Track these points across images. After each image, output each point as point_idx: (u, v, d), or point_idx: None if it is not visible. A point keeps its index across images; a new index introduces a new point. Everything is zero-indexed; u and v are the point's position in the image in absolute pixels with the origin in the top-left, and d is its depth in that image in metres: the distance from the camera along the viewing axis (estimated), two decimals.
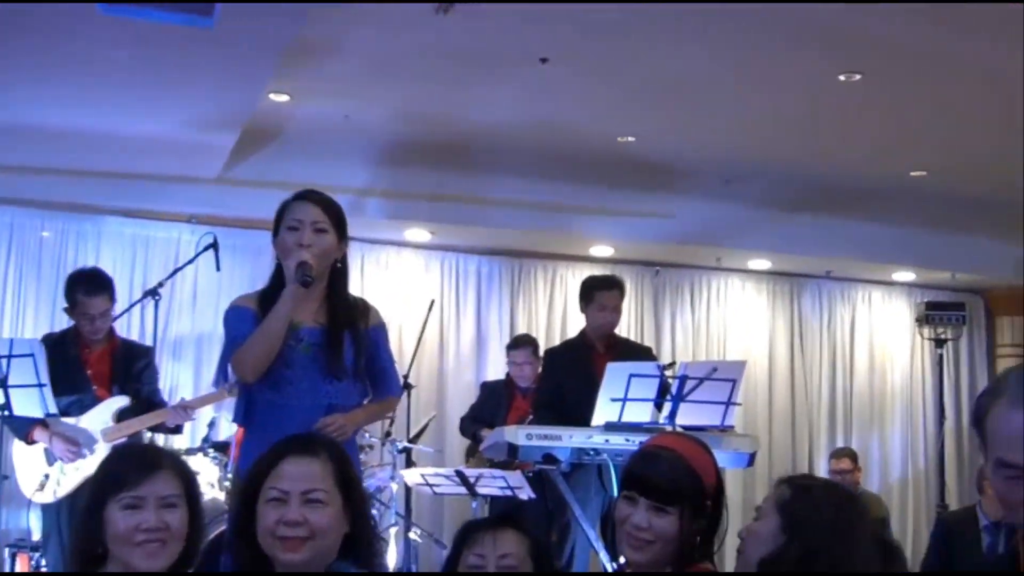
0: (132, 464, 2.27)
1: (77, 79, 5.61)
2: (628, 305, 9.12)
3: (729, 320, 9.46)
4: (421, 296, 8.05)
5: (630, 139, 7.24)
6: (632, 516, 2.41)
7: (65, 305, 5.19)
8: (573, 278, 8.96)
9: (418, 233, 8.47)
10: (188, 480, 2.31)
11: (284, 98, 6.52)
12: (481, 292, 8.90)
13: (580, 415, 5.08)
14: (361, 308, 3.48)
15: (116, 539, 2.19)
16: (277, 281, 3.34)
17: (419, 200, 8.03)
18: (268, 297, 3.33)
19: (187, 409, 5.24)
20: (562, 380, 5.67)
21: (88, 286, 5.13)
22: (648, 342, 9.16)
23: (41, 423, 4.88)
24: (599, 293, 5.75)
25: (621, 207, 8.25)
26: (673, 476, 2.43)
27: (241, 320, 3.34)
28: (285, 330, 3.25)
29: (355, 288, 8.22)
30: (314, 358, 3.30)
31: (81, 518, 2.29)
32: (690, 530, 2.41)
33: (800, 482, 2.58)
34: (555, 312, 9.01)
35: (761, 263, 9.28)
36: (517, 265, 9.00)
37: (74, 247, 7.71)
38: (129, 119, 6.28)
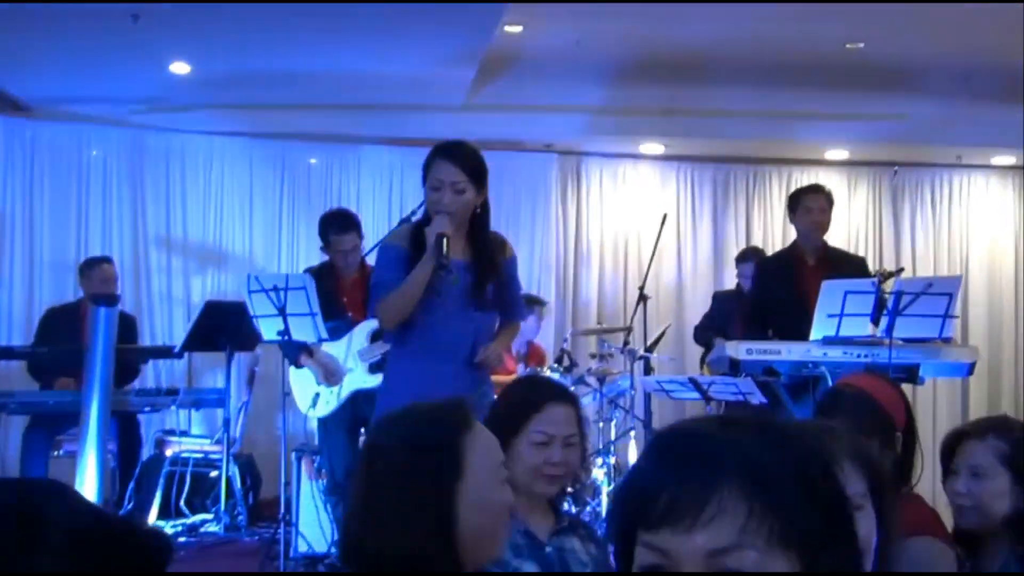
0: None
1: (332, 24, 6.22)
2: (866, 207, 9.18)
3: (972, 219, 9.26)
4: (657, 207, 8.34)
5: (860, 45, 7.24)
6: None
7: (320, 244, 5.86)
8: (809, 183, 9.02)
9: (652, 147, 8.77)
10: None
11: (518, 29, 6.91)
12: (717, 201, 9.07)
13: (788, 327, 5.30)
14: (499, 244, 3.87)
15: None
16: (428, 216, 3.76)
17: (652, 115, 8.29)
18: (418, 234, 3.76)
19: None
20: (771, 292, 5.78)
21: (339, 226, 5.75)
22: (887, 244, 9.17)
23: (307, 350, 5.57)
24: (805, 196, 5.83)
25: (854, 111, 8.21)
26: (857, 410, 2.58)
27: (390, 261, 3.79)
28: (420, 293, 3.66)
29: (593, 203, 8.78)
30: (462, 288, 3.73)
31: None
32: None
33: (1014, 432, 2.52)
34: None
35: (1006, 158, 9.02)
36: (752, 172, 9.12)
37: (338, 175, 8.48)
38: (379, 58, 6.86)
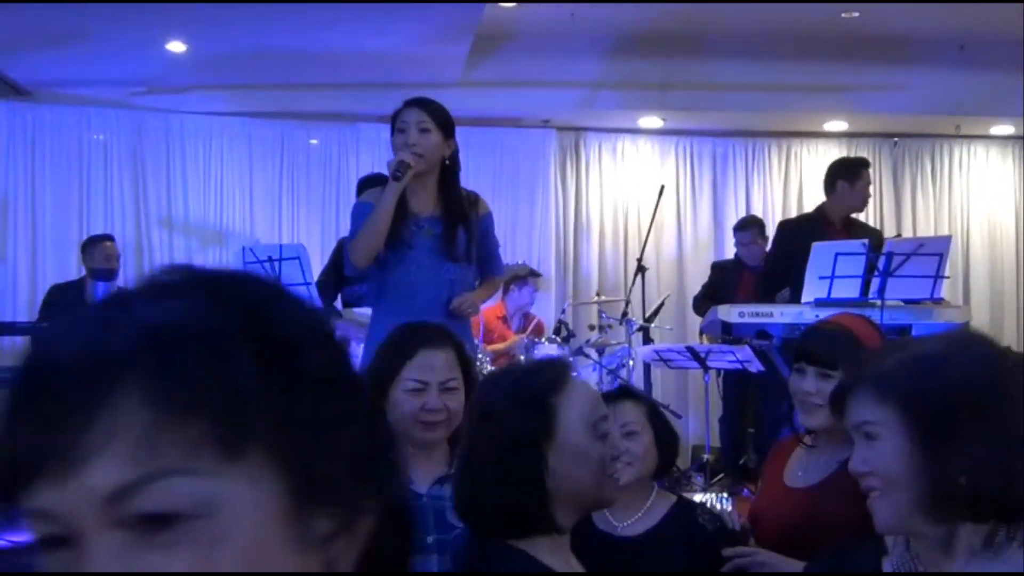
0: None
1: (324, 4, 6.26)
2: None
3: (972, 189, 9.27)
4: (656, 181, 8.37)
5: (854, 14, 7.25)
6: (802, 384, 2.57)
7: None
8: (808, 155, 9.06)
9: (651, 120, 8.78)
10: None
11: (510, 4, 6.95)
12: (716, 173, 9.11)
13: None
14: (472, 200, 3.89)
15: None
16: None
17: (650, 89, 8.30)
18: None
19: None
20: (793, 252, 5.62)
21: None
22: (888, 215, 9.18)
23: (336, 313, 5.61)
24: (865, 171, 5.82)
25: (853, 82, 8.22)
26: (833, 343, 2.58)
27: (361, 214, 3.82)
28: (390, 222, 3.68)
29: (593, 178, 8.82)
30: (435, 242, 3.77)
31: None
32: None
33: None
34: (791, 189, 9.12)
35: (1005, 128, 9.02)
36: (751, 145, 9.14)
37: (336, 153, 8.53)
38: (373, 34, 6.89)
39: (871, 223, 8.87)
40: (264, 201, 8.43)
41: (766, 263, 6.40)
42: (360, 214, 3.83)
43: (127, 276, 7.91)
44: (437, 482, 2.49)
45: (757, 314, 5.28)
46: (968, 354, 1.60)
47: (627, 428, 2.63)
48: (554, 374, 1.93)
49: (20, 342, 6.72)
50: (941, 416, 1.51)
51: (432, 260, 3.78)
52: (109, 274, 5.86)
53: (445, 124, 3.76)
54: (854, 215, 5.97)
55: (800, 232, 5.88)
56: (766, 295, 5.82)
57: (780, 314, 5.23)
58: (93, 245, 6.68)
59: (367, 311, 5.57)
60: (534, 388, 1.90)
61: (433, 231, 3.78)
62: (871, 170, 5.92)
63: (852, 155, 9.08)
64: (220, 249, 8.22)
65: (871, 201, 8.93)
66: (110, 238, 6.86)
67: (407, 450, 2.44)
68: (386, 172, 3.75)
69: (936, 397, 1.53)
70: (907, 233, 8.78)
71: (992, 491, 1.48)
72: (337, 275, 5.80)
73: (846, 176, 5.80)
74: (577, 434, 1.87)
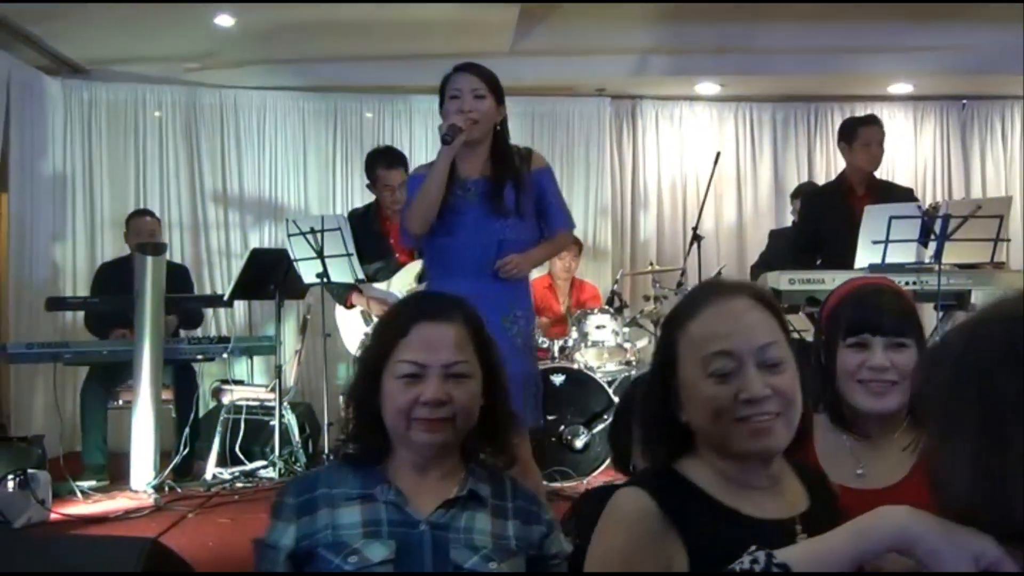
0: None
1: None
2: (934, 143, 8.92)
3: None
4: (715, 149, 8.18)
5: None
6: (868, 360, 2.16)
7: (367, 181, 5.87)
8: None
9: (708, 86, 8.60)
10: None
11: None
12: (777, 140, 8.91)
13: (839, 257, 5.17)
14: (524, 155, 3.79)
15: None
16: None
17: (706, 54, 8.12)
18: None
19: None
20: (820, 223, 5.67)
21: (386, 161, 5.78)
22: (956, 179, 8.92)
23: (356, 289, 5.59)
24: (862, 129, 5.68)
25: (916, 42, 7.95)
26: (903, 306, 2.22)
27: (415, 185, 3.76)
28: (443, 187, 3.62)
29: (650, 146, 8.67)
30: (480, 202, 3.68)
31: None
32: None
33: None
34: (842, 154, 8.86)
35: None
36: (813, 109, 8.92)
37: (389, 125, 8.49)
38: (422, 5, 6.82)
39: (940, 188, 8.67)
40: (318, 175, 8.43)
41: (795, 234, 6.25)
42: (415, 183, 3.78)
43: (183, 252, 8.02)
44: (443, 506, 1.95)
45: (808, 280, 5.13)
46: None
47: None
48: (680, 310, 1.73)
49: (76, 324, 6.81)
50: None
51: (479, 221, 3.69)
52: (157, 248, 5.87)
53: (497, 90, 3.72)
54: (878, 176, 5.82)
55: (823, 199, 5.90)
56: (797, 266, 5.67)
57: (832, 280, 5.06)
58: (132, 220, 6.74)
59: (381, 286, 5.58)
60: (665, 326, 1.74)
61: (478, 194, 3.70)
62: (878, 127, 5.69)
63: (918, 119, 8.87)
64: (274, 224, 8.23)
65: (938, 166, 8.81)
66: (150, 213, 6.90)
67: (403, 459, 2.00)
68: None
69: None
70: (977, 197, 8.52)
71: None
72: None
73: (844, 137, 5.76)
74: (689, 374, 1.69)
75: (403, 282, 5.59)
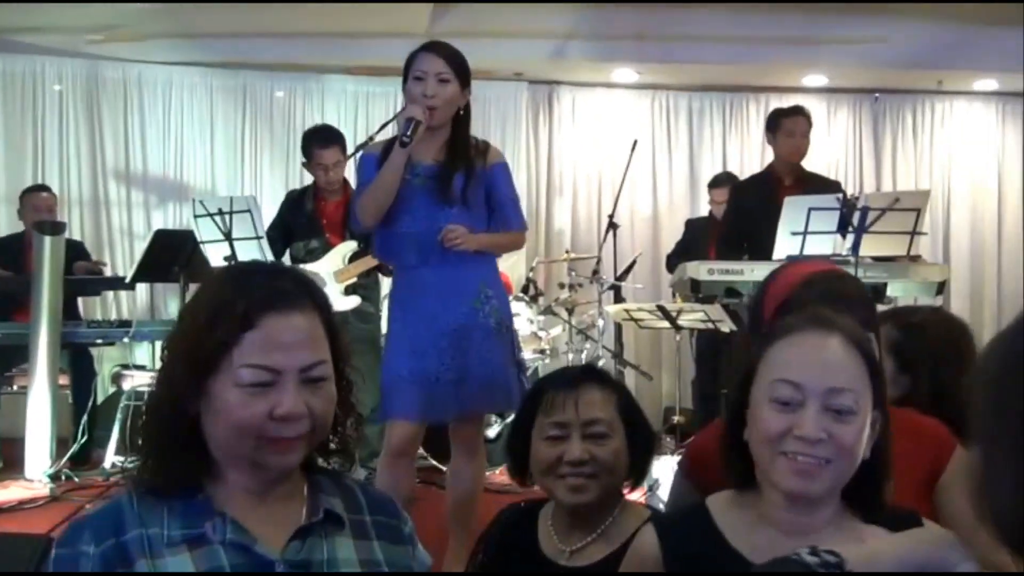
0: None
1: None
2: (847, 135, 9.01)
3: (954, 146, 9.06)
4: (631, 137, 8.14)
5: None
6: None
7: (303, 160, 5.72)
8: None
9: (626, 73, 8.54)
10: None
11: None
12: (693, 129, 8.89)
13: (765, 246, 5.14)
14: (481, 148, 3.66)
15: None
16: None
17: (624, 41, 8.06)
18: (393, 144, 3.56)
19: None
20: (748, 214, 5.66)
21: (322, 139, 5.63)
22: (868, 172, 9.02)
23: None
24: (785, 120, 5.72)
25: (831, 34, 7.99)
26: (865, 298, 2.10)
27: (367, 167, 3.62)
28: (397, 183, 3.49)
29: (566, 132, 8.59)
30: (427, 189, 3.54)
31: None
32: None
33: (908, 319, 2.56)
34: (768, 145, 8.90)
35: (988, 83, 8.81)
36: (728, 99, 8.93)
37: (301, 105, 8.27)
38: None
39: (851, 180, 8.74)
40: (225, 154, 8.18)
41: (723, 225, 6.26)
42: (365, 167, 3.64)
43: (83, 231, 7.72)
44: (296, 537, 1.53)
45: (727, 271, 5.10)
46: None
47: (594, 428, 2.12)
48: None
49: None
50: None
51: (423, 207, 3.56)
52: (56, 227, 5.62)
53: (463, 73, 3.56)
54: (806, 168, 5.87)
55: (750, 190, 5.91)
56: (725, 257, 5.66)
57: (751, 271, 5.04)
58: (28, 196, 6.44)
59: (312, 267, 5.43)
60: None
61: (427, 179, 3.56)
62: (802, 118, 5.74)
63: (831, 110, 8.94)
64: (180, 204, 7.97)
65: (850, 158, 8.89)
66: (46, 188, 6.62)
67: (235, 483, 1.54)
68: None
69: None
70: (888, 190, 8.61)
71: None
72: (284, 230, 5.64)
73: (770, 127, 5.84)
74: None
75: (332, 263, 5.46)
